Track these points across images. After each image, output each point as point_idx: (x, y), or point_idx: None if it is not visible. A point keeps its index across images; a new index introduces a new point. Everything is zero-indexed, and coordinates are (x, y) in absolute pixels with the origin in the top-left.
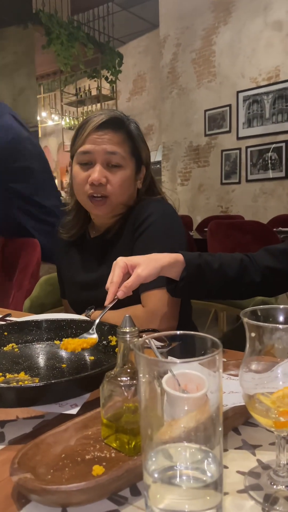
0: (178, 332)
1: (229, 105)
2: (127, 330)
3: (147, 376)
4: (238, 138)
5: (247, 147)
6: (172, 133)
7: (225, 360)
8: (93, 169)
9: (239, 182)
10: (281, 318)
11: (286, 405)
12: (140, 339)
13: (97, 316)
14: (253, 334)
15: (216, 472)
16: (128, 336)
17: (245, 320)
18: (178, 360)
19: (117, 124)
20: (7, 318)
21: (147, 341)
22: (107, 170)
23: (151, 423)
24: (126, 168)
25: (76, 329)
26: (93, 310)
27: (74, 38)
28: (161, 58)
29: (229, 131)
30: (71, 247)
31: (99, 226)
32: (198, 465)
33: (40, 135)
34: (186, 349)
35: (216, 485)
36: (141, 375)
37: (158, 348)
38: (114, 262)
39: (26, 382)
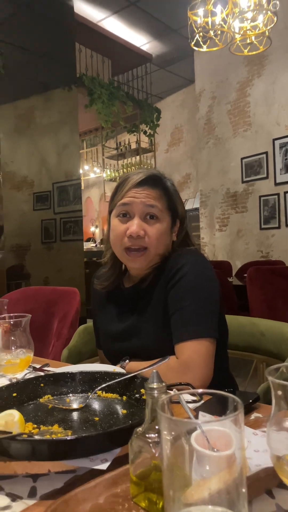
0: (207, 390)
1: (266, 153)
2: (155, 386)
3: (169, 434)
4: (276, 184)
5: (285, 192)
6: (209, 181)
7: (260, 415)
8: (131, 222)
9: (278, 227)
10: None
11: None
12: (166, 396)
13: (131, 367)
14: (279, 393)
15: None
16: (155, 392)
17: (270, 378)
18: (198, 421)
19: (155, 181)
20: (45, 368)
21: (177, 396)
22: (145, 223)
23: (174, 483)
24: (162, 221)
25: (110, 381)
26: (127, 361)
27: (114, 97)
28: (197, 111)
29: (267, 177)
30: (105, 297)
31: (133, 277)
32: None
33: (82, 187)
34: (216, 404)
35: None
36: (164, 432)
37: (189, 402)
38: None
39: (59, 435)
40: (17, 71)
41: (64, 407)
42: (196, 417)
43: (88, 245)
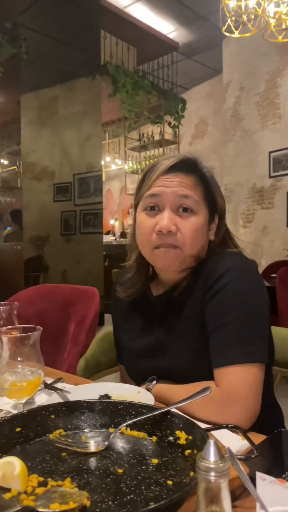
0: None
1: None
2: (211, 465)
3: None
4: None
5: None
6: (234, 175)
7: None
8: (160, 215)
9: None
10: None
11: None
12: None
13: (160, 390)
14: None
15: None
16: (213, 474)
17: None
18: None
19: (189, 166)
20: (59, 385)
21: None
22: (178, 217)
23: None
24: (198, 215)
25: (136, 415)
26: (154, 382)
27: (139, 86)
28: (224, 102)
29: None
30: (130, 307)
31: (164, 283)
32: None
33: (104, 179)
34: (273, 457)
35: None
36: None
37: (241, 459)
38: None
39: (70, 503)
40: (40, 59)
41: (79, 450)
42: (253, 480)
43: (107, 238)
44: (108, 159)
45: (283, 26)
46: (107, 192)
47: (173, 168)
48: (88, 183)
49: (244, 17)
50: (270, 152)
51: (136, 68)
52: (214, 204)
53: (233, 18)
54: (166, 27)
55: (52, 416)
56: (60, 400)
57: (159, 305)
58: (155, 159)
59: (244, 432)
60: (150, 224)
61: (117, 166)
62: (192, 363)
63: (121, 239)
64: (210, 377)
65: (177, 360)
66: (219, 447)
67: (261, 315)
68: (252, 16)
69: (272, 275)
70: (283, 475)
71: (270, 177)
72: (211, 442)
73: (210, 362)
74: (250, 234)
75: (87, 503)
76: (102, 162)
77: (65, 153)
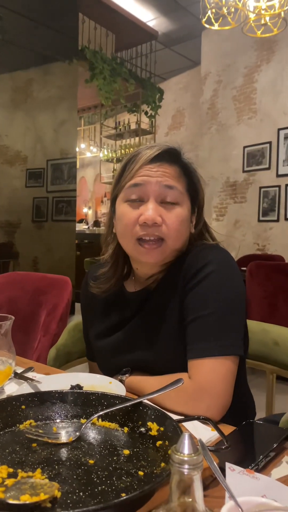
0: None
1: (269, 142)
2: (185, 458)
3: None
4: (278, 176)
5: (286, 185)
6: (209, 168)
7: None
8: (145, 206)
9: (277, 220)
10: None
11: None
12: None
13: (132, 382)
14: None
15: None
16: (186, 467)
17: None
18: None
19: (173, 156)
20: (29, 374)
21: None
22: (162, 208)
23: None
24: (183, 206)
25: (108, 406)
26: (127, 375)
27: (116, 74)
28: (201, 95)
29: (269, 168)
30: (103, 303)
31: (140, 277)
32: None
33: (78, 166)
34: (243, 447)
35: None
36: None
37: (212, 450)
38: None
39: (42, 494)
40: (16, 39)
41: (50, 440)
42: (223, 470)
43: (80, 227)
44: (83, 146)
45: (262, 22)
46: (80, 180)
47: (157, 158)
48: (61, 170)
49: (225, 10)
50: (244, 147)
51: (114, 55)
52: (196, 196)
53: (214, 10)
54: (146, 14)
55: (23, 407)
56: (31, 390)
57: (136, 300)
58: (131, 148)
59: (214, 423)
60: (133, 215)
61: (92, 153)
62: (169, 356)
63: (94, 228)
64: (187, 369)
65: (154, 354)
66: (193, 440)
67: (239, 307)
68: (232, 10)
69: (243, 268)
70: (250, 466)
71: (244, 171)
72: (186, 435)
73: (186, 354)
74: (222, 227)
75: (58, 494)
76: (77, 149)
77: (39, 138)
